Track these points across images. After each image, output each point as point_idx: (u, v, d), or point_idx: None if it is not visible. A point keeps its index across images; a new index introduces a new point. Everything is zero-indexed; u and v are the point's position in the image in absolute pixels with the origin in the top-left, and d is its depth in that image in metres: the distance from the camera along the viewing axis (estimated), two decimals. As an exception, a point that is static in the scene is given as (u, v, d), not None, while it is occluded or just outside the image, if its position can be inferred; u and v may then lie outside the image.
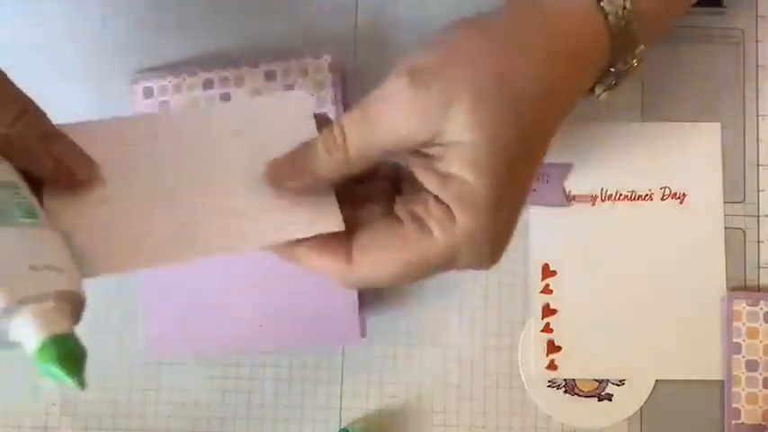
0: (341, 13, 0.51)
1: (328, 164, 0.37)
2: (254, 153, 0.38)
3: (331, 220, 0.37)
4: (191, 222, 0.37)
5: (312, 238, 0.37)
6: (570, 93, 0.39)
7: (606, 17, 0.38)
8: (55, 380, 0.27)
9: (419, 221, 0.36)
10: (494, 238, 0.36)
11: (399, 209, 0.37)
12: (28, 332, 0.26)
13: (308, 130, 0.39)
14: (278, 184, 0.37)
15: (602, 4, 0.38)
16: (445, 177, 0.36)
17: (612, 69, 0.40)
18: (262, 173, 0.38)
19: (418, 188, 0.37)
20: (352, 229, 0.38)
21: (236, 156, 0.38)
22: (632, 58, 0.40)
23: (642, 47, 0.40)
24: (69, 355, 0.27)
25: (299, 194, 0.37)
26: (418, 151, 0.36)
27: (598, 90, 0.41)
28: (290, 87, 0.49)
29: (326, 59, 0.49)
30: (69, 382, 0.28)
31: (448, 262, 0.36)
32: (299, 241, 0.37)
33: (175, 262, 0.36)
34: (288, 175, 0.37)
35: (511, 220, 0.37)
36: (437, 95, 0.35)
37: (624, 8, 0.38)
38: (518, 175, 0.36)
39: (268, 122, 0.39)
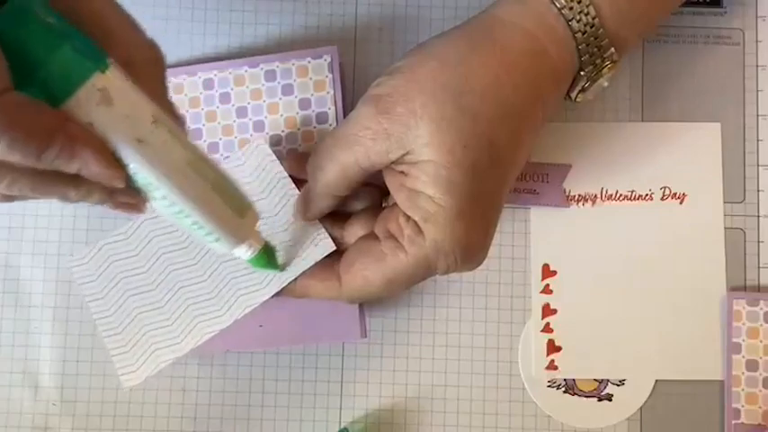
0: (341, 13, 0.51)
1: (316, 188, 0.42)
2: None
3: (322, 245, 0.43)
4: (216, 297, 0.43)
5: (306, 271, 0.43)
6: (536, 102, 0.40)
7: (568, 24, 0.40)
8: (264, 269, 0.42)
9: (392, 239, 0.40)
10: (464, 246, 0.39)
11: (377, 227, 0.42)
12: (247, 252, 0.39)
13: (276, 171, 0.44)
14: (298, 220, 0.44)
15: (563, 12, 0.40)
16: (412, 194, 0.39)
17: (582, 73, 0.41)
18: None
19: (395, 205, 0.41)
20: (340, 248, 0.43)
21: None
22: (603, 61, 0.41)
23: (612, 49, 0.40)
24: (271, 254, 0.41)
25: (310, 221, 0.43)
26: (393, 169, 0.40)
27: (573, 93, 0.43)
28: (289, 87, 0.49)
29: (326, 59, 0.49)
30: (274, 270, 0.43)
31: (424, 271, 0.40)
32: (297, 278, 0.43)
33: (205, 340, 0.43)
34: (299, 209, 0.43)
35: (481, 230, 0.40)
36: (399, 119, 0.38)
37: (586, 14, 0.40)
38: (484, 187, 0.39)
39: (242, 181, 0.43)
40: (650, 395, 0.48)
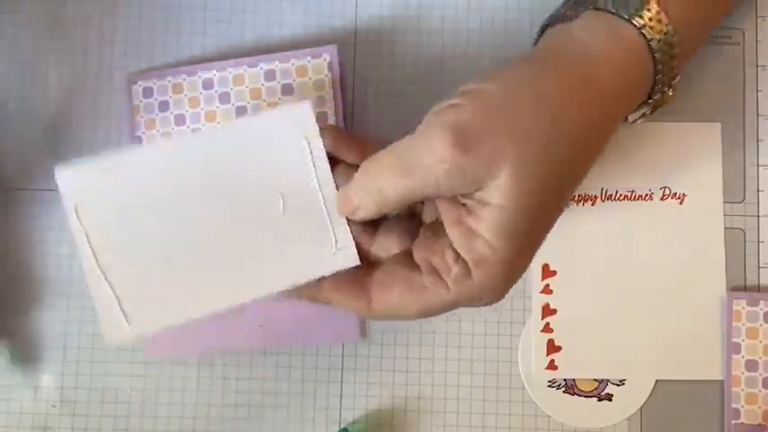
0: (341, 13, 0.51)
1: (370, 204, 0.38)
2: (264, 181, 0.39)
3: (347, 257, 0.39)
4: (218, 271, 0.39)
5: (332, 278, 0.39)
6: (606, 139, 0.39)
7: (653, 54, 0.39)
8: None
9: (436, 274, 0.37)
10: (510, 283, 0.38)
11: (418, 255, 0.39)
12: None
13: (314, 146, 0.39)
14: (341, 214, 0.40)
15: (651, 43, 0.38)
16: (470, 234, 0.36)
17: (650, 101, 0.41)
18: (275, 204, 0.39)
19: (439, 231, 0.38)
20: (369, 263, 0.40)
21: (248, 188, 0.39)
22: (669, 89, 0.41)
23: (678, 77, 0.41)
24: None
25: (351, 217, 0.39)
26: (455, 199, 0.37)
27: (632, 118, 0.43)
28: (289, 87, 0.49)
29: (326, 59, 0.49)
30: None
31: (464, 306, 0.38)
32: (320, 282, 0.39)
33: (205, 315, 0.38)
34: (342, 207, 0.39)
35: (528, 261, 0.38)
36: (481, 159, 0.35)
37: (671, 45, 0.39)
38: (544, 228, 0.38)
39: (272, 144, 0.39)
40: (650, 395, 0.48)
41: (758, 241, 0.50)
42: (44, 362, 0.49)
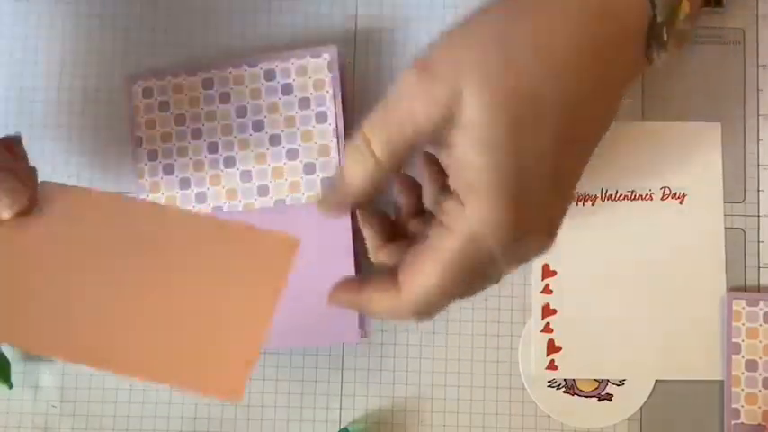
0: (341, 13, 0.51)
1: (359, 173, 0.37)
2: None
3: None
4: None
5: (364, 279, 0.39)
6: (599, 66, 0.36)
7: None
8: None
9: (439, 224, 0.36)
10: (515, 219, 0.35)
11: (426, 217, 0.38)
12: None
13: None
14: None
15: None
16: (456, 164, 0.35)
17: (653, 41, 0.39)
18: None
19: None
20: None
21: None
22: (677, 9, 0.38)
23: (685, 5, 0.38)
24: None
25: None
26: (443, 143, 0.36)
27: (653, 53, 0.39)
28: (288, 86, 0.49)
29: (326, 59, 0.49)
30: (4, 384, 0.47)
31: (477, 256, 0.35)
32: (360, 287, 0.39)
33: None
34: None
35: (538, 200, 0.35)
36: (443, 76, 0.35)
37: None
38: (531, 149, 0.35)
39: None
40: (650, 395, 0.48)
41: (758, 241, 0.49)
42: (44, 362, 0.49)
